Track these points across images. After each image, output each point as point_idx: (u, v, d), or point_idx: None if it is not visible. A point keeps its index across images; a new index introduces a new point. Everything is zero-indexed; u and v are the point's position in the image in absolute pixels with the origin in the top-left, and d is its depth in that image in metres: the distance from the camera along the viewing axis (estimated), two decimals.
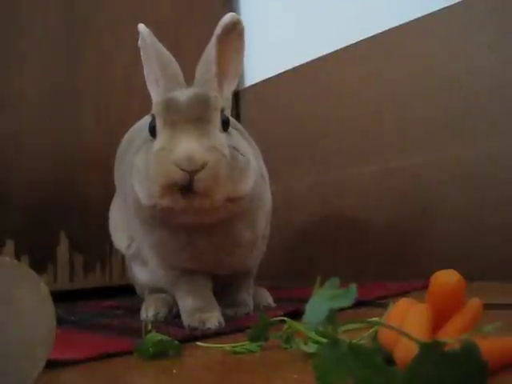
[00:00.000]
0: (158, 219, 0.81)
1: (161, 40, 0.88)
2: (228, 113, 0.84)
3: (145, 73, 0.90)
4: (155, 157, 0.74)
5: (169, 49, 0.87)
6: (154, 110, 0.80)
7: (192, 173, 0.70)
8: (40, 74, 1.48)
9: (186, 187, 0.71)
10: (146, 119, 1.08)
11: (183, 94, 0.78)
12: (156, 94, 0.87)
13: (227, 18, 0.85)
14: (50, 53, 1.51)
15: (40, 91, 1.48)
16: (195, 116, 0.75)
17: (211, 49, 0.84)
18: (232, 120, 1.00)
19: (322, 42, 1.67)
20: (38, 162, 1.46)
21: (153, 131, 0.79)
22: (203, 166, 0.71)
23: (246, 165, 0.80)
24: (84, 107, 1.56)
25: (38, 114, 1.48)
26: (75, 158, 1.53)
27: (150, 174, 0.75)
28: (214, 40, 0.84)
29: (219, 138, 0.76)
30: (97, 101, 1.58)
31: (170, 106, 0.77)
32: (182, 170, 0.70)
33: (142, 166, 0.78)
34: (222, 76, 0.85)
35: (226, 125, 0.80)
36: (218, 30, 0.85)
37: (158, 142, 0.75)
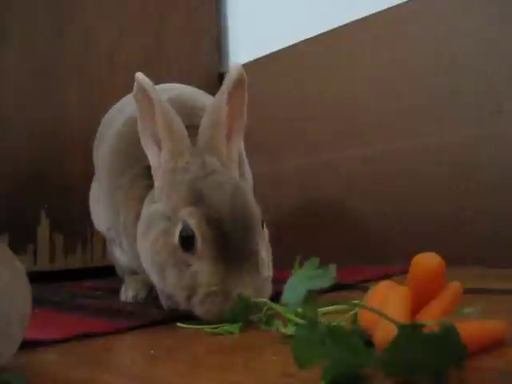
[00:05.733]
0: None
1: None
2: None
3: (139, 127, 0.81)
4: (204, 296, 0.69)
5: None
6: (194, 224, 0.70)
7: None
8: (22, 48, 1.46)
9: None
10: (127, 99, 1.06)
11: (228, 210, 0.70)
12: (156, 157, 0.79)
13: (235, 71, 0.79)
14: (33, 27, 1.48)
15: (22, 66, 1.45)
16: (249, 248, 0.70)
17: (222, 109, 0.78)
18: None
19: (307, 25, 1.66)
20: (19, 139, 1.44)
21: (188, 244, 0.71)
22: None
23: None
24: (67, 83, 1.53)
25: (19, 89, 1.45)
26: (57, 136, 1.50)
27: (196, 311, 0.71)
28: (225, 98, 0.78)
29: (267, 268, 0.73)
30: (81, 76, 1.56)
31: (220, 230, 0.69)
32: None
33: (164, 268, 0.73)
34: (228, 136, 0.81)
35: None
36: (227, 85, 0.78)
37: (207, 278, 0.69)
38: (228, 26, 1.96)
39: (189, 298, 0.71)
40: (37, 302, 0.53)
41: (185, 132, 0.78)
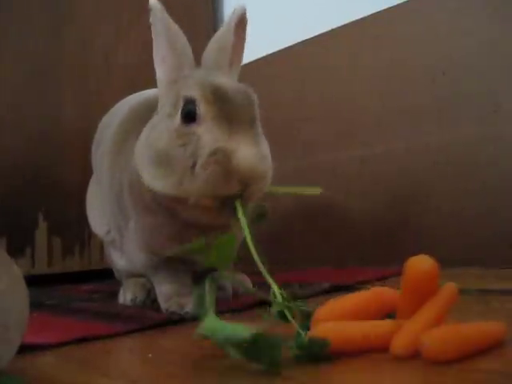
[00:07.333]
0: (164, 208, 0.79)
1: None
2: None
3: (153, 50, 0.83)
4: (210, 158, 0.67)
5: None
6: (196, 93, 0.72)
7: (247, 185, 0.67)
8: (20, 48, 1.46)
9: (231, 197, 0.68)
10: (122, 103, 1.06)
11: (229, 86, 0.73)
12: (162, 72, 0.82)
13: (240, 10, 0.86)
14: (29, 27, 1.47)
15: (19, 66, 1.45)
16: (249, 116, 0.71)
17: (228, 36, 0.84)
18: None
19: (306, 26, 1.66)
20: (17, 140, 1.43)
21: (191, 116, 0.71)
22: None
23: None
24: (65, 82, 1.53)
25: (17, 89, 1.45)
26: (54, 136, 1.50)
27: (199, 178, 0.68)
28: (232, 28, 0.84)
29: (265, 142, 0.74)
30: (78, 76, 1.56)
31: (222, 96, 0.71)
32: (240, 181, 0.67)
33: (168, 149, 0.72)
34: (230, 64, 0.85)
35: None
36: (235, 19, 0.85)
37: (210, 137, 0.69)
38: None
39: (193, 166, 0.69)
40: (35, 305, 0.53)
41: (189, 50, 0.82)
